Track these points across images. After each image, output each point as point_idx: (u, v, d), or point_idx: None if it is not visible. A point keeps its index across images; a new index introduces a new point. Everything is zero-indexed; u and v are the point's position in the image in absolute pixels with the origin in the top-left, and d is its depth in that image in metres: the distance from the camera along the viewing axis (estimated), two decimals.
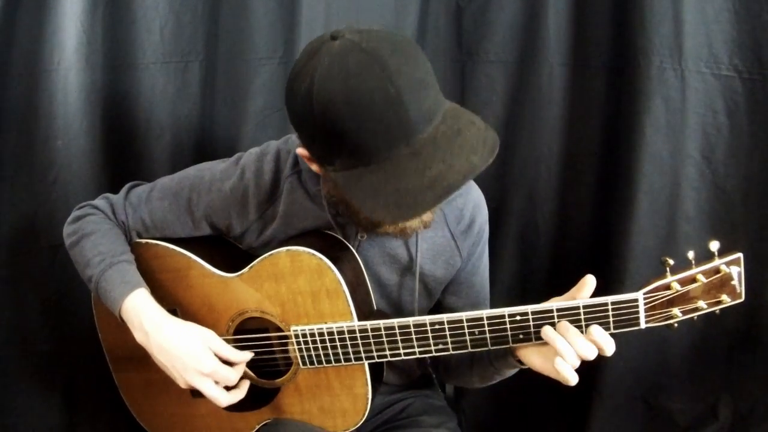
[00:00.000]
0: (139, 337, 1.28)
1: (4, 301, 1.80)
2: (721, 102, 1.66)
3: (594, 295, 1.14)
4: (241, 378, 1.32)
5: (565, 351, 1.10)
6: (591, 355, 1.11)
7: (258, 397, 1.38)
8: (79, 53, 1.70)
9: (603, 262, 1.81)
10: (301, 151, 1.16)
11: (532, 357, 1.20)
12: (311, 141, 1.10)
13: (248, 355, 1.32)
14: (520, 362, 1.25)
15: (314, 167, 1.18)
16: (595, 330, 1.11)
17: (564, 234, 1.89)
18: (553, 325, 1.14)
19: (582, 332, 1.12)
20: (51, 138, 1.72)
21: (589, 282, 1.14)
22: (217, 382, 1.27)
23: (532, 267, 1.93)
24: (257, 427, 1.42)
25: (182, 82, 1.83)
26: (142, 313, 1.28)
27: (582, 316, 1.12)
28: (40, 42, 1.66)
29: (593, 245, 1.85)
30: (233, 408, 1.35)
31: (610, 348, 1.12)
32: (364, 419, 1.32)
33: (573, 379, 1.12)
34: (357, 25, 1.78)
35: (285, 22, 1.80)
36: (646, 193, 1.71)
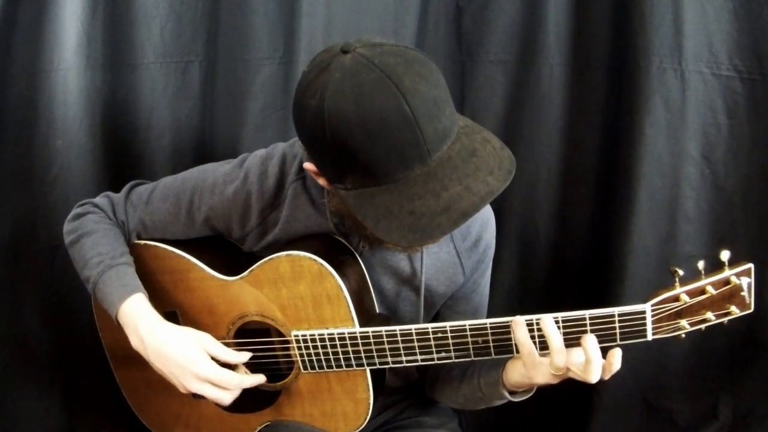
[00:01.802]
0: (134, 342, 1.28)
1: (3, 301, 1.79)
2: (721, 102, 1.66)
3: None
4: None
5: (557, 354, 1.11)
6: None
7: (259, 399, 1.38)
8: (79, 53, 1.70)
9: (603, 262, 1.80)
10: (308, 165, 1.13)
11: (517, 367, 1.19)
12: (321, 157, 1.08)
13: (246, 355, 1.32)
14: (512, 393, 1.25)
15: (322, 181, 1.15)
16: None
17: (564, 234, 1.88)
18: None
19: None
20: (51, 138, 1.72)
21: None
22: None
23: (532, 267, 1.93)
24: (258, 428, 1.42)
25: (182, 82, 1.83)
26: (138, 319, 1.27)
27: (588, 327, 1.12)
28: (40, 42, 1.66)
29: (593, 245, 1.85)
30: (235, 409, 1.35)
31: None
32: (365, 423, 1.32)
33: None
34: (357, 25, 1.79)
35: (285, 22, 1.79)
36: (646, 193, 1.71)
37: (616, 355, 1.10)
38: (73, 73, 1.70)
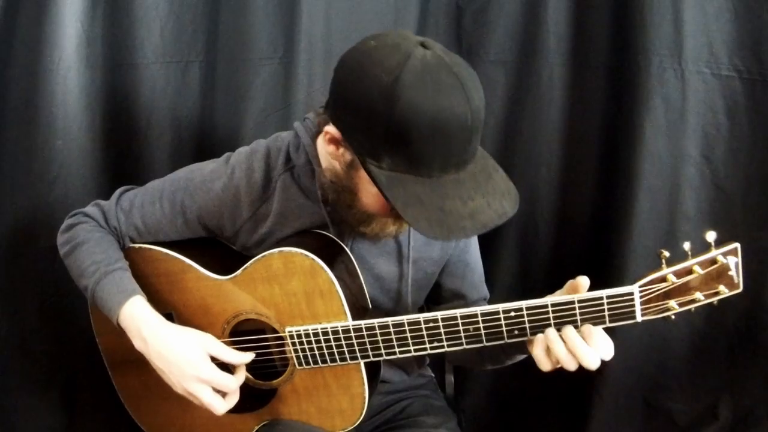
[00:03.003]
0: (137, 344, 1.28)
1: (4, 301, 1.80)
2: (721, 102, 1.66)
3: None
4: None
5: (564, 357, 1.12)
6: (594, 364, 1.11)
7: (256, 399, 1.38)
8: (79, 53, 1.70)
9: (603, 262, 1.80)
10: (331, 129, 1.14)
11: (536, 349, 1.18)
12: (367, 130, 1.08)
13: (249, 355, 1.32)
14: None
15: (331, 148, 1.16)
16: (597, 334, 1.12)
17: (564, 234, 1.89)
18: (548, 320, 1.14)
19: (577, 326, 1.13)
20: (51, 138, 1.73)
21: (583, 284, 1.14)
22: (215, 390, 1.27)
23: (532, 266, 1.93)
24: (256, 428, 1.42)
25: (182, 82, 1.83)
26: (139, 321, 1.28)
27: (577, 311, 1.12)
28: (40, 42, 1.67)
29: (593, 245, 1.85)
30: (231, 410, 1.35)
31: (609, 352, 1.12)
32: (362, 418, 1.33)
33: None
34: (357, 25, 1.79)
35: (285, 22, 1.80)
36: (646, 193, 1.71)
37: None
38: (73, 73, 1.71)
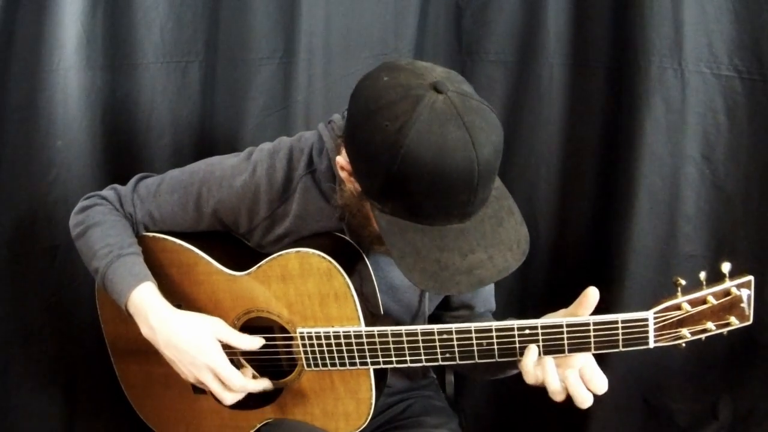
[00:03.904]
0: (145, 331, 1.28)
1: (4, 301, 1.79)
2: (721, 102, 1.67)
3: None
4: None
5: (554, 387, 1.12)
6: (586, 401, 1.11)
7: (261, 397, 1.38)
8: (79, 53, 1.70)
9: (603, 261, 1.81)
10: (342, 162, 1.14)
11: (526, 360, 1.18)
12: (371, 175, 1.07)
13: (259, 341, 1.31)
14: None
15: (345, 174, 1.15)
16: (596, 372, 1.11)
17: (564, 234, 1.89)
18: (561, 340, 1.13)
19: (590, 348, 1.12)
20: (51, 138, 1.72)
21: (592, 295, 1.13)
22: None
23: (532, 267, 1.93)
24: (258, 425, 1.42)
25: (182, 82, 1.83)
26: (148, 307, 1.27)
27: (591, 333, 1.12)
28: (40, 42, 1.66)
29: (593, 245, 1.85)
30: (236, 406, 1.35)
31: (602, 387, 1.11)
32: (366, 423, 1.32)
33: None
34: (357, 25, 1.78)
35: (285, 22, 1.80)
36: (646, 193, 1.71)
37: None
38: (73, 73, 1.70)
